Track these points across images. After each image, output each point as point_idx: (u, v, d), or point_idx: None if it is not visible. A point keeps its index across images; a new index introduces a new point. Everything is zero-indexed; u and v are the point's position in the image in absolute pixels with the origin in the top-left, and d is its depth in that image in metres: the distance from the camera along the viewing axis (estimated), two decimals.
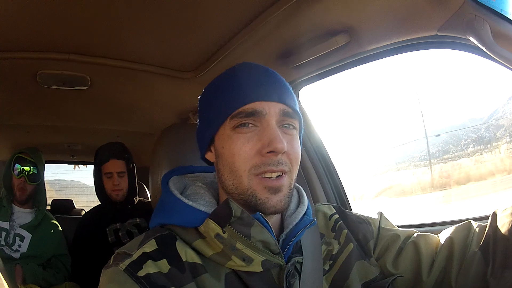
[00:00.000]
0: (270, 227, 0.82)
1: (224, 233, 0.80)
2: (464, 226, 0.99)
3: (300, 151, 0.89)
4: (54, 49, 1.60)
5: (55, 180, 6.22)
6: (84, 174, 4.54)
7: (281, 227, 0.92)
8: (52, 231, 2.49)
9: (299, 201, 0.98)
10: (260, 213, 0.82)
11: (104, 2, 1.24)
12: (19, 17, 1.34)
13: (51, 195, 5.22)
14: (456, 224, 1.03)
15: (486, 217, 0.96)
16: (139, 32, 1.46)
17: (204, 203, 0.88)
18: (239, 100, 0.84)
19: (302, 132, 0.95)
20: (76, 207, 4.09)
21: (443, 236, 1.01)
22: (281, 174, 0.83)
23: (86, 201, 5.04)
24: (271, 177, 0.82)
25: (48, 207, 3.45)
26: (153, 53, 1.66)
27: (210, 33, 1.49)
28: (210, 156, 0.92)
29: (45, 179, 2.56)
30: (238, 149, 0.82)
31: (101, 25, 1.40)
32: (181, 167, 1.03)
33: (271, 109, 0.84)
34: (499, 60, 1.00)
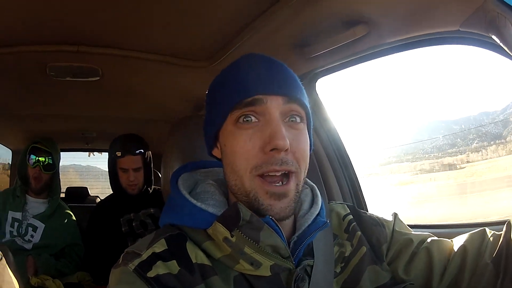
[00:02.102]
0: (281, 231, 0.79)
1: (232, 237, 0.78)
2: (479, 234, 0.94)
3: (308, 148, 0.85)
4: (62, 42, 1.58)
5: (70, 165, 6.29)
6: (100, 160, 4.60)
7: (294, 228, 0.89)
8: (65, 220, 2.51)
9: (313, 201, 0.95)
10: (271, 216, 0.78)
11: None
12: (25, 11, 1.32)
13: (71, 181, 5.32)
14: (471, 227, 0.99)
15: (501, 223, 0.93)
16: (149, 22, 1.43)
17: (213, 203, 0.86)
18: (238, 94, 0.80)
19: (312, 126, 0.91)
20: (91, 194, 4.13)
21: (457, 243, 0.96)
22: (286, 173, 0.80)
23: (102, 187, 5.08)
24: (275, 176, 0.79)
25: (63, 195, 3.50)
26: (165, 42, 1.63)
27: (224, 22, 1.45)
28: (216, 152, 0.90)
29: (61, 164, 2.59)
30: (239, 147, 0.79)
31: (110, 16, 1.37)
32: (191, 163, 1.01)
33: (273, 102, 0.80)
34: None
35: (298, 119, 0.83)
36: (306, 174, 0.85)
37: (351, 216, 1.02)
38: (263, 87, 0.80)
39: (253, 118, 0.80)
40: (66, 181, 4.59)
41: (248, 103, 0.79)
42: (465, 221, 1.51)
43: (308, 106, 0.87)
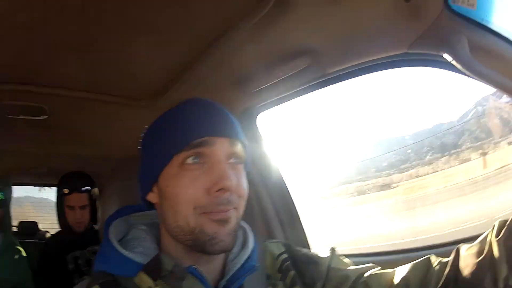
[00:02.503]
0: (204, 279, 0.81)
1: (156, 287, 0.79)
2: (422, 263, 0.89)
3: (246, 187, 0.88)
4: (5, 81, 1.55)
5: (24, 197, 6.07)
6: (51, 193, 4.47)
7: (223, 272, 0.90)
8: (16, 256, 2.41)
9: (244, 244, 0.96)
10: (194, 266, 0.81)
11: (53, 32, 1.20)
12: None
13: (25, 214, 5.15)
14: (417, 251, 0.98)
15: (449, 244, 0.92)
16: (91, 62, 1.42)
17: (142, 251, 0.87)
18: (186, 136, 0.82)
19: (249, 165, 0.94)
20: (41, 229, 4.08)
21: (399, 274, 0.91)
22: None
23: (52, 221, 4.97)
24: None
25: (15, 229, 3.42)
26: (107, 82, 1.62)
27: (164, 60, 1.45)
28: (152, 197, 0.90)
29: (16, 196, 2.55)
30: (184, 188, 0.81)
31: (52, 56, 1.36)
32: (127, 207, 1.01)
33: (220, 144, 0.83)
34: (475, 77, 0.93)
35: (238, 161, 0.87)
36: (243, 212, 0.88)
37: (285, 255, 1.03)
38: (212, 129, 0.83)
39: (198, 160, 0.82)
40: (21, 214, 4.47)
41: (196, 145, 0.81)
42: (411, 246, 1.41)
43: (246, 147, 0.90)
